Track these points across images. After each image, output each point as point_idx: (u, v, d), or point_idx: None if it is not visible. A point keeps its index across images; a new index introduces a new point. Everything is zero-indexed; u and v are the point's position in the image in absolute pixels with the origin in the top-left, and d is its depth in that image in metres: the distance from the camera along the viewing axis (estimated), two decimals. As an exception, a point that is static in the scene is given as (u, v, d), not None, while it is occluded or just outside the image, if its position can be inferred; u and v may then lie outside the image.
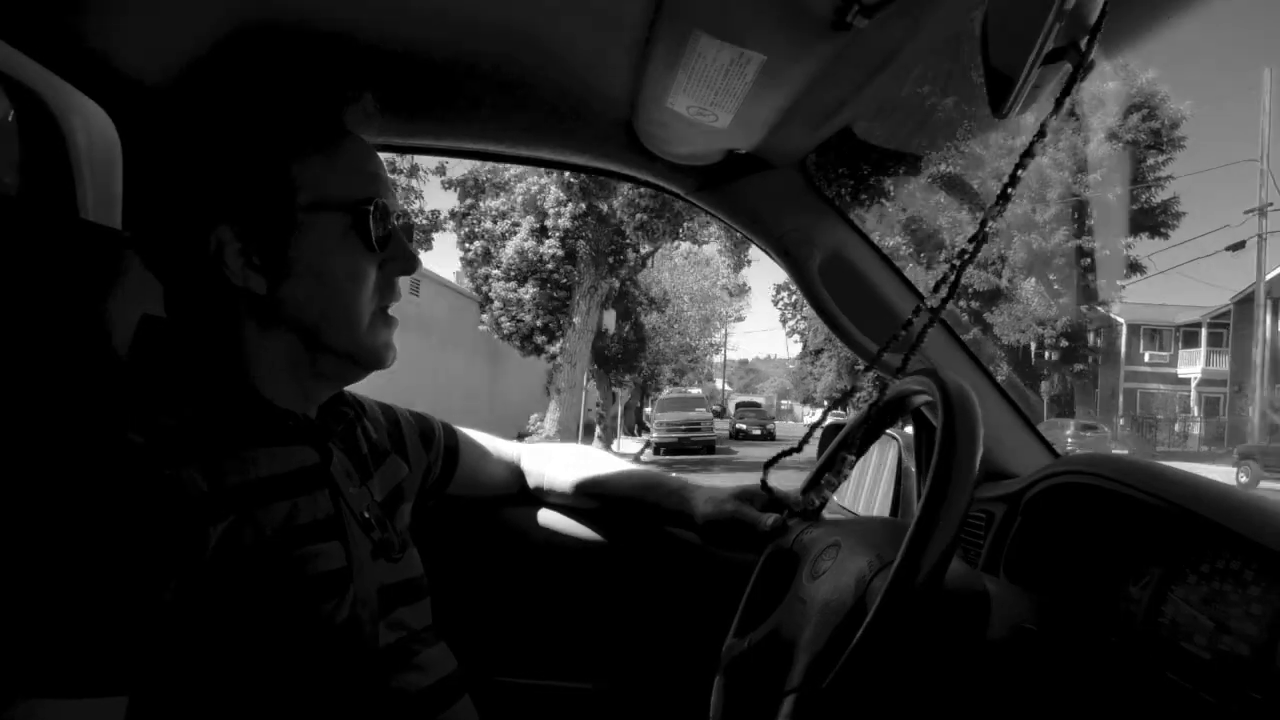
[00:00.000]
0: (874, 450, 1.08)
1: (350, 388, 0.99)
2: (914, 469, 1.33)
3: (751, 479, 1.15)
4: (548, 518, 1.32)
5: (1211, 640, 0.70)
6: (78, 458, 0.72)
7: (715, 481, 1.19)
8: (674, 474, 1.28)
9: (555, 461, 1.31)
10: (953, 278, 0.60)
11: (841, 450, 1.01)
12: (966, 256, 0.60)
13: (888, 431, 1.20)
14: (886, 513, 1.37)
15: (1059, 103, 0.51)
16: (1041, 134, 0.53)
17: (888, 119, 0.99)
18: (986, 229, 0.58)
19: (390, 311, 0.92)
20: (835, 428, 1.33)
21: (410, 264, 0.90)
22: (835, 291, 1.21)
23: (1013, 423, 1.19)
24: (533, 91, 1.07)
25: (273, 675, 0.77)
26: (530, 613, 1.31)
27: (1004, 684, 0.74)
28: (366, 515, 0.91)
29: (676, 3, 0.79)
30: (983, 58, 0.61)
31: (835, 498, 1.08)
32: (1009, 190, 0.56)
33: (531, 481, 1.31)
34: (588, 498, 1.29)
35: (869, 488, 1.55)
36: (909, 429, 1.40)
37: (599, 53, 0.95)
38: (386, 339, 0.90)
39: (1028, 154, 0.53)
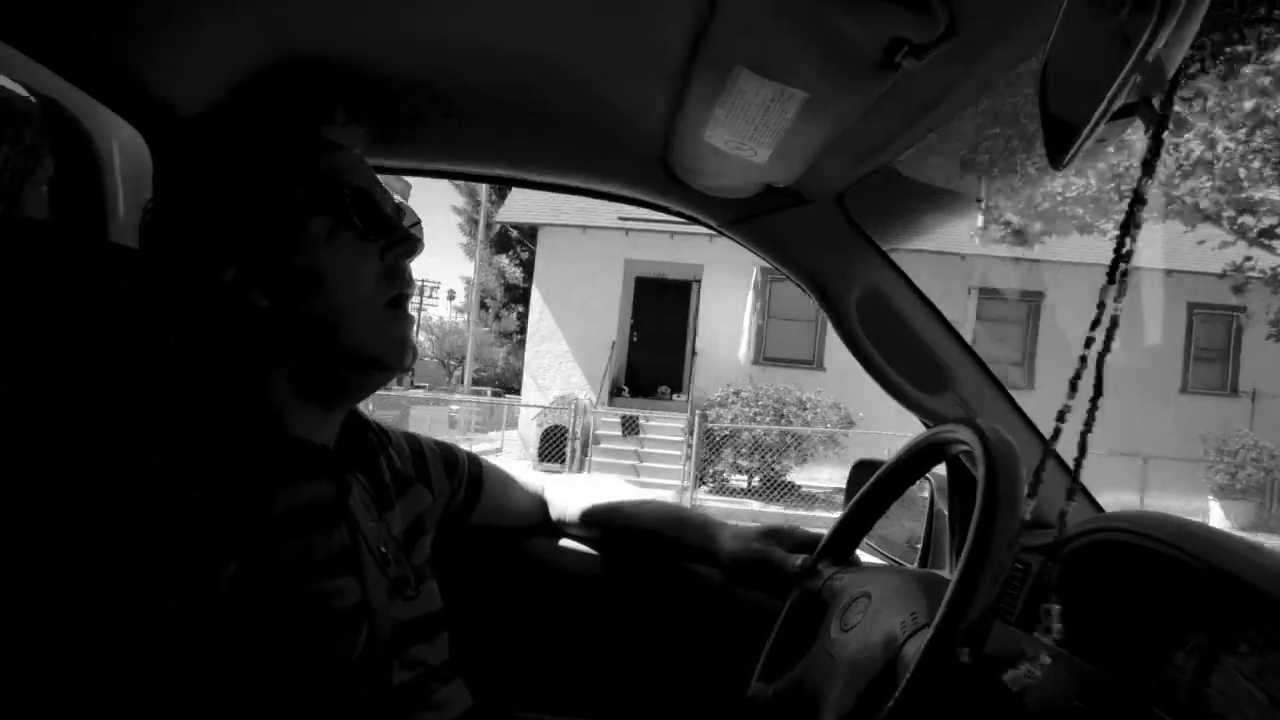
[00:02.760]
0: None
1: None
2: (945, 511, 1.30)
3: None
4: (569, 549, 1.30)
5: (1265, 715, 0.67)
6: (98, 488, 0.71)
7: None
8: (698, 509, 1.26)
9: (578, 492, 1.29)
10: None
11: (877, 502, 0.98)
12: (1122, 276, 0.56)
13: None
14: (917, 556, 1.33)
15: (1148, 166, 0.49)
16: (1140, 200, 0.50)
17: (933, 157, 0.97)
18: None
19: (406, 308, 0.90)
20: (866, 466, 1.30)
21: (411, 245, 0.89)
22: (871, 330, 1.18)
23: (1052, 469, 1.15)
24: (567, 123, 1.07)
25: (286, 712, 0.76)
26: (549, 647, 1.29)
27: None
28: (383, 550, 0.89)
29: (718, 38, 0.77)
30: (1041, 105, 0.59)
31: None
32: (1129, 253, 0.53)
33: (554, 512, 1.30)
34: (610, 529, 1.27)
35: (898, 527, 1.51)
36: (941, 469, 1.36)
37: (635, 86, 0.94)
38: (400, 335, 0.88)
39: (1134, 224, 0.51)
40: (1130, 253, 0.50)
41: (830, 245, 1.17)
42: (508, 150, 1.21)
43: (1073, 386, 0.57)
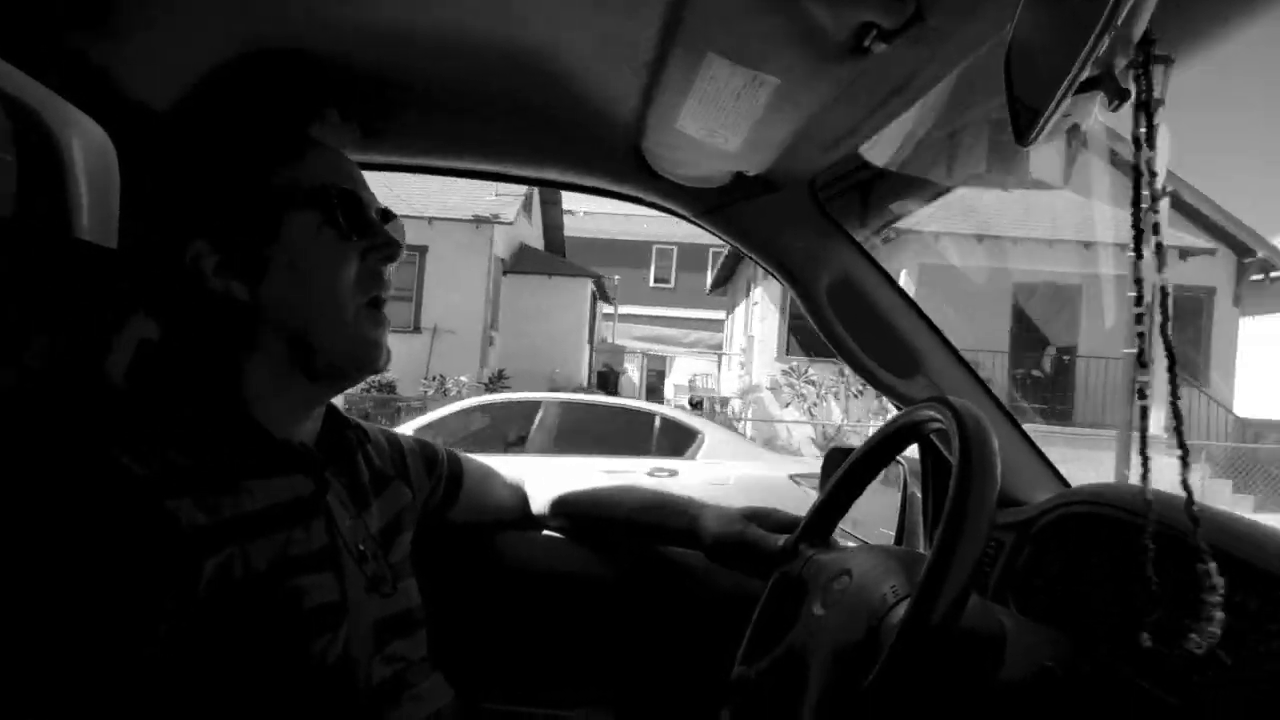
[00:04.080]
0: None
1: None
2: (919, 495, 1.31)
3: None
4: (551, 542, 1.30)
5: (1228, 677, 0.69)
6: (74, 488, 0.70)
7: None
8: (681, 493, 1.27)
9: (558, 484, 1.30)
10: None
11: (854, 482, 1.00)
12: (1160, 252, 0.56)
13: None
14: (891, 540, 1.35)
15: (1146, 140, 0.49)
16: (1139, 179, 0.51)
17: (902, 143, 0.98)
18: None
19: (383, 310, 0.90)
20: (839, 452, 1.32)
21: (391, 250, 0.89)
22: (843, 316, 1.20)
23: (1021, 449, 1.18)
24: (540, 114, 1.07)
25: (266, 710, 0.76)
26: (530, 640, 1.29)
27: None
28: (361, 548, 0.89)
29: (690, 26, 0.78)
30: (1006, 84, 0.60)
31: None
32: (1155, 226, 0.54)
33: (536, 506, 1.30)
34: (592, 519, 1.28)
35: (871, 513, 1.53)
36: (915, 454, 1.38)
37: (608, 75, 0.94)
38: (375, 337, 0.88)
39: (1142, 208, 0.52)
40: (1157, 225, 0.51)
41: (801, 232, 1.19)
42: (484, 144, 1.21)
43: (1142, 363, 0.57)
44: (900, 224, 11.69)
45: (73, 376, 0.92)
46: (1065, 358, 12.92)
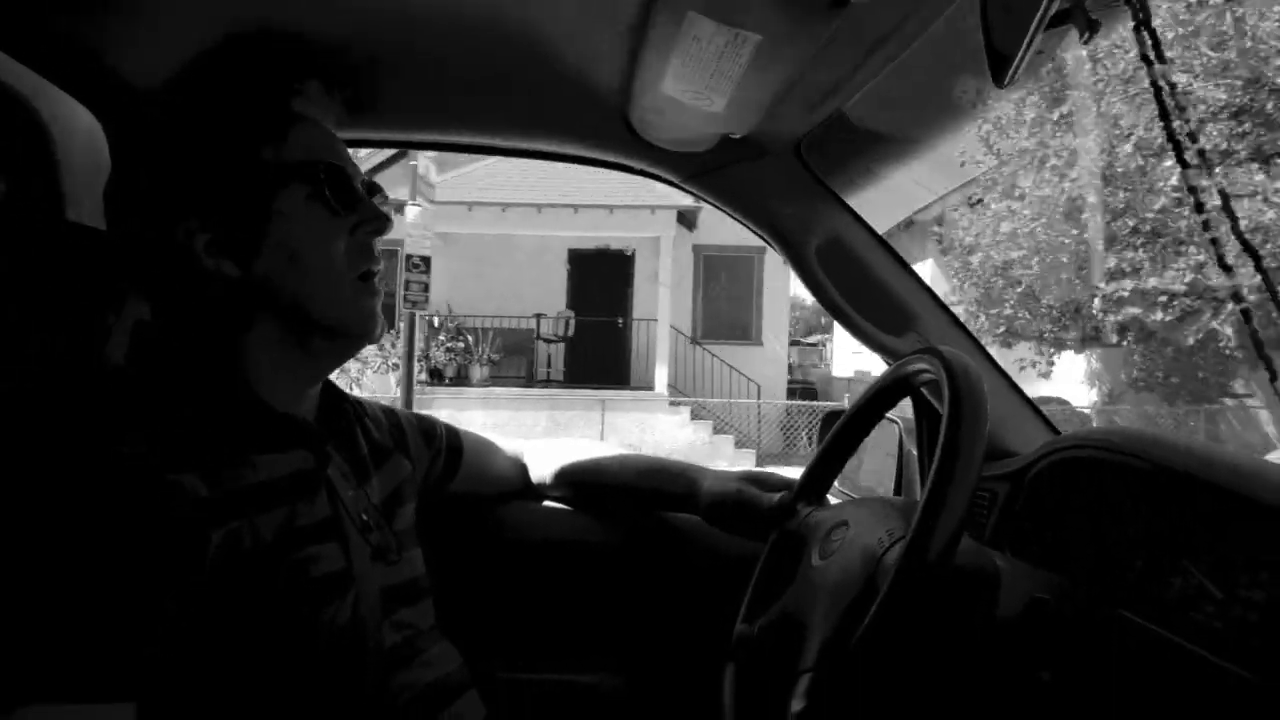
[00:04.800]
0: (874, 434, 1.08)
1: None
2: (915, 452, 1.33)
3: None
4: (550, 513, 1.31)
5: (1221, 608, 0.70)
6: (77, 465, 0.71)
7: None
8: (677, 459, 1.28)
9: (557, 454, 1.31)
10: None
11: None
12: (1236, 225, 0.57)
13: (888, 415, 1.21)
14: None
15: (1156, 56, 0.50)
16: (1159, 91, 0.52)
17: (886, 100, 0.99)
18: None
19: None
20: (834, 413, 1.33)
21: (380, 224, 0.90)
22: (835, 277, 1.21)
23: (1012, 401, 1.19)
24: (526, 83, 1.07)
25: (277, 678, 0.77)
26: (536, 608, 1.31)
27: (1017, 657, 0.74)
28: (365, 518, 0.91)
29: None
30: (983, 29, 0.61)
31: (836, 483, 1.08)
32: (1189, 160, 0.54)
33: (535, 476, 1.31)
34: (591, 488, 1.29)
35: (869, 472, 1.55)
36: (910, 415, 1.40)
37: (592, 39, 0.94)
38: (370, 308, 0.89)
39: (1166, 124, 0.52)
40: (1193, 134, 0.51)
41: (789, 195, 1.19)
42: (471, 116, 1.21)
43: (1225, 268, 0.57)
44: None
45: (72, 359, 0.92)
46: (619, 321, 13.41)
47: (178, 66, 0.96)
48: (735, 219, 1.26)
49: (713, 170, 1.20)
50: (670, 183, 1.25)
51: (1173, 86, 0.54)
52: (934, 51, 0.81)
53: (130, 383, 0.85)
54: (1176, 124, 0.54)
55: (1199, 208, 0.56)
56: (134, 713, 0.67)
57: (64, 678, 0.65)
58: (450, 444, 1.19)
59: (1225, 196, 0.56)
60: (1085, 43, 0.49)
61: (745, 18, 0.79)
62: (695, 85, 0.93)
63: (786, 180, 1.19)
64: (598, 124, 1.16)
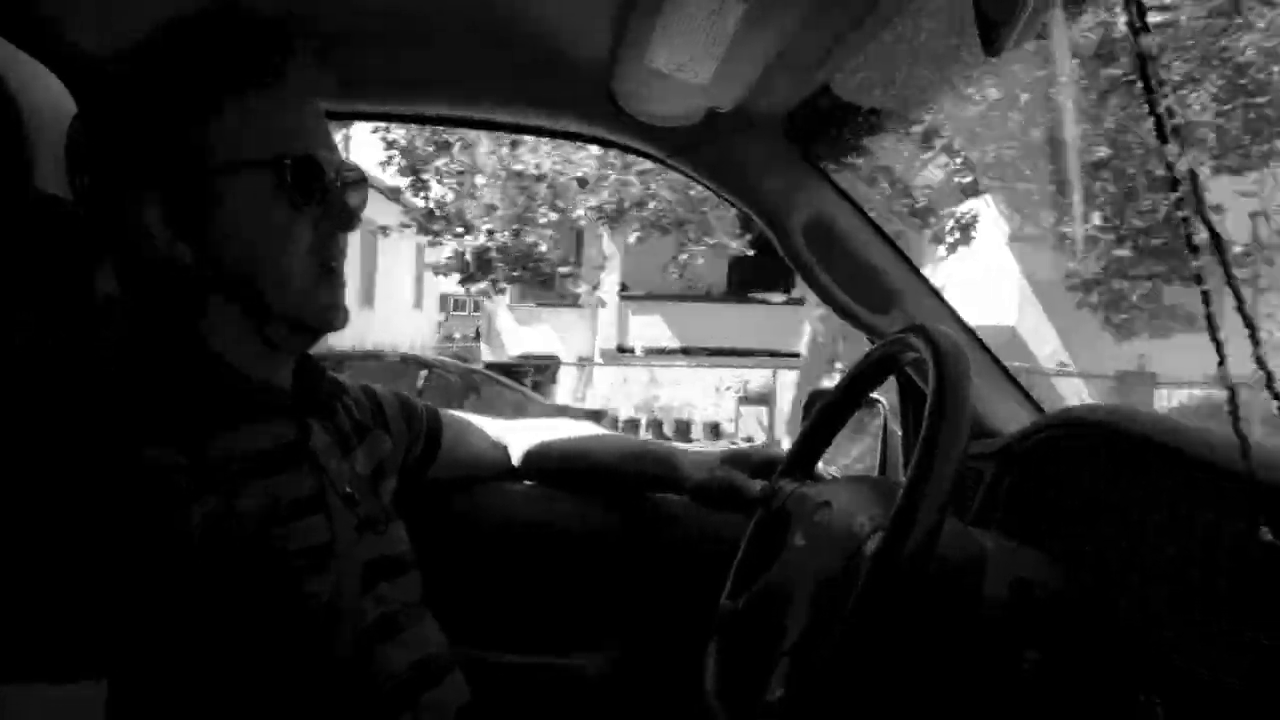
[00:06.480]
0: (859, 415, 1.07)
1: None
2: (900, 432, 1.33)
3: None
4: (534, 494, 1.31)
5: (1202, 579, 0.70)
6: (49, 441, 0.69)
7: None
8: (660, 441, 1.28)
9: (540, 436, 1.30)
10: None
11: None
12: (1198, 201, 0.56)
13: (873, 395, 1.20)
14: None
15: (1142, 27, 0.49)
16: (1144, 61, 0.50)
17: (873, 72, 0.98)
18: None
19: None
20: (820, 392, 1.33)
21: (346, 221, 0.86)
22: (820, 254, 1.20)
23: (998, 380, 1.19)
24: (508, 51, 1.05)
25: (258, 652, 0.76)
26: (521, 590, 1.30)
27: (1003, 638, 0.73)
28: (349, 490, 0.89)
29: None
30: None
31: (821, 464, 1.08)
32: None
33: (516, 458, 1.30)
34: (575, 470, 1.28)
35: (854, 453, 1.55)
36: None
37: (577, 10, 0.93)
38: (331, 299, 0.86)
39: (1149, 90, 0.51)
40: (1170, 109, 0.51)
41: (775, 171, 1.18)
42: (455, 88, 1.19)
43: (1192, 248, 0.56)
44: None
45: (40, 331, 0.90)
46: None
47: (146, 34, 0.93)
48: (720, 195, 1.24)
49: (698, 145, 1.19)
50: (654, 158, 1.24)
51: (1155, 59, 0.53)
52: (926, 21, 0.80)
53: (104, 358, 0.84)
54: (1158, 98, 0.53)
55: (1173, 184, 0.55)
56: (105, 690, 0.67)
57: (34, 657, 0.64)
58: (431, 425, 1.18)
59: (1195, 177, 0.56)
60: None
61: None
62: (680, 55, 0.91)
63: (773, 156, 1.17)
64: (580, 97, 1.14)
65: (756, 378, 12.90)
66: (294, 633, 0.78)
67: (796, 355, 11.60)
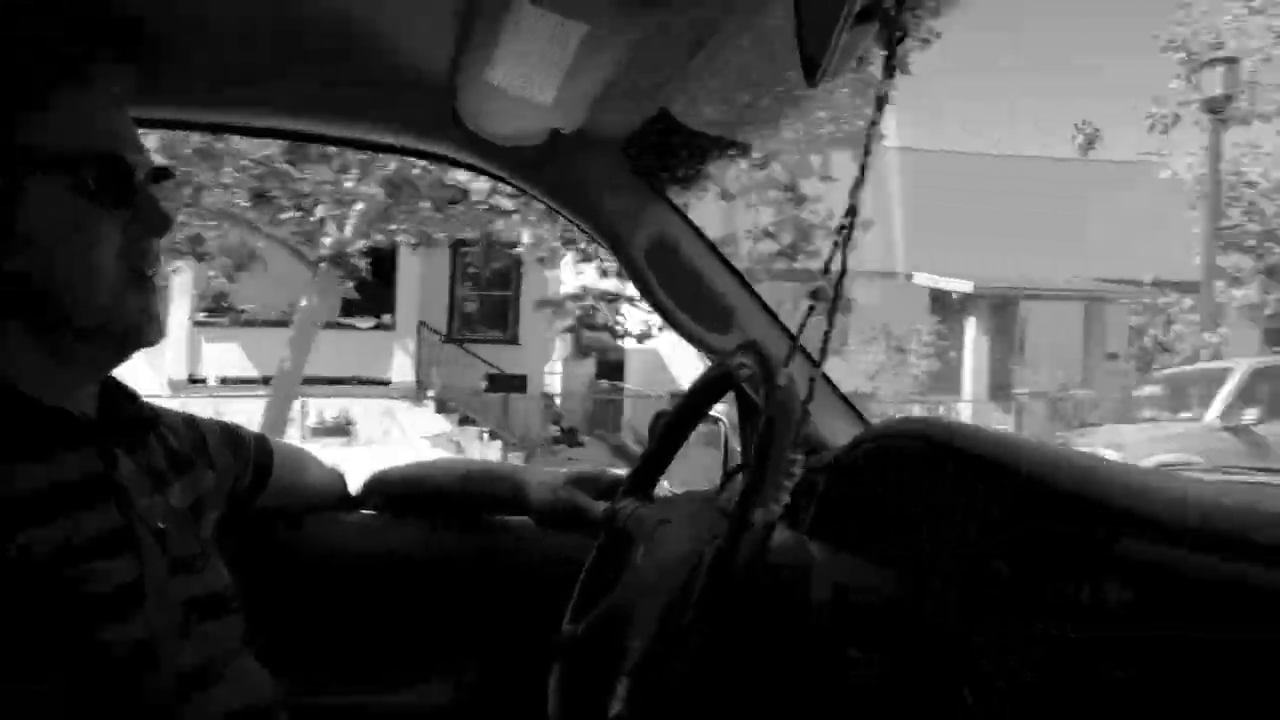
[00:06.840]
0: (701, 431, 1.10)
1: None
2: (739, 448, 1.37)
3: None
4: (371, 523, 1.26)
5: (1009, 591, 0.75)
6: None
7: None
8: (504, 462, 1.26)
9: (378, 464, 1.26)
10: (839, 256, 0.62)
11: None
12: (846, 234, 0.62)
13: (714, 413, 1.23)
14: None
15: (889, 68, 0.53)
16: (881, 103, 0.54)
17: (709, 96, 1.01)
18: (856, 204, 0.60)
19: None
20: (662, 413, 1.35)
21: (157, 225, 0.82)
22: (661, 275, 1.22)
23: (829, 397, 1.25)
24: (347, 63, 1.02)
25: (55, 703, 0.70)
26: (359, 625, 1.24)
27: (828, 637, 0.77)
28: (161, 525, 0.83)
29: None
30: (796, 26, 0.63)
31: (664, 481, 1.09)
32: (866, 163, 0.58)
33: (354, 488, 1.26)
34: (416, 496, 1.25)
35: (697, 469, 1.58)
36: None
37: (418, 25, 0.91)
38: (142, 305, 0.81)
39: (874, 124, 0.55)
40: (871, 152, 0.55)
41: (616, 192, 1.20)
42: (290, 99, 1.14)
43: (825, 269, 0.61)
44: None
45: None
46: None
47: None
48: (563, 216, 1.25)
49: (541, 164, 1.19)
50: (498, 177, 1.23)
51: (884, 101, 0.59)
52: (761, 50, 0.83)
53: None
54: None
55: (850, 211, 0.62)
56: None
57: None
58: (260, 453, 1.11)
59: (854, 213, 0.63)
60: (894, 43, 0.51)
61: (570, 6, 0.79)
62: (522, 75, 0.91)
63: (614, 177, 1.19)
64: (423, 113, 1.12)
65: (332, 408, 12.49)
66: (95, 681, 0.72)
67: (387, 383, 11.70)
